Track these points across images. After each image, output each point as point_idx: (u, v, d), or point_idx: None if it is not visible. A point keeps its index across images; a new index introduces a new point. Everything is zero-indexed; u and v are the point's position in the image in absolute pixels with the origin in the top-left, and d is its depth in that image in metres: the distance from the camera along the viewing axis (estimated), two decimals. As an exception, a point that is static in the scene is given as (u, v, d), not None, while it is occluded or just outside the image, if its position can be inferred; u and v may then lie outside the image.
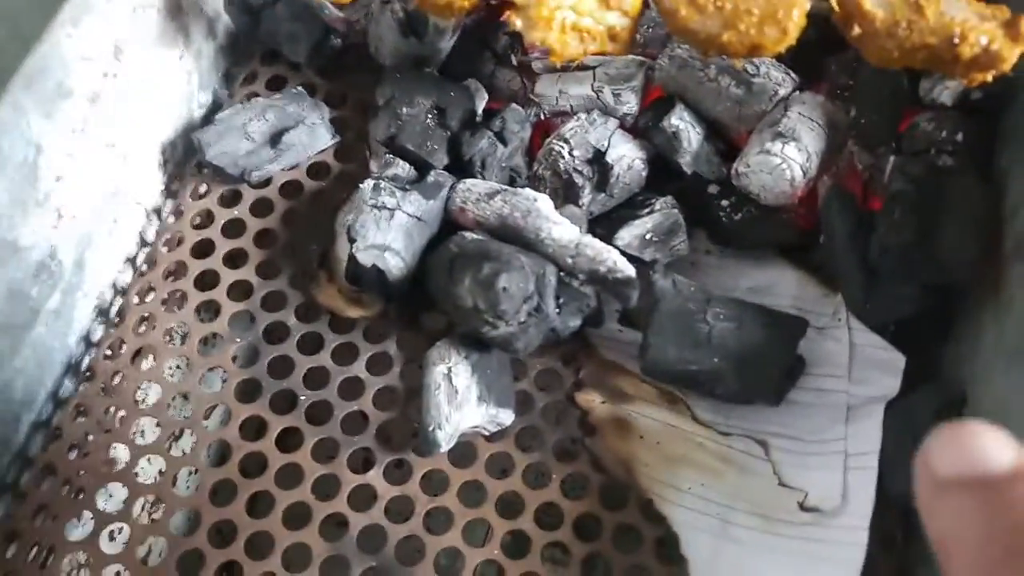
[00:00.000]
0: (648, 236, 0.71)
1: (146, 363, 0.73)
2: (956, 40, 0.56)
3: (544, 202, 0.69)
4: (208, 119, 0.85)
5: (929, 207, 0.63)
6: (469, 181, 0.72)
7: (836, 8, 0.59)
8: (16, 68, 0.93)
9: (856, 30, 0.59)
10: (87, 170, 0.71)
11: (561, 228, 0.67)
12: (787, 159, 0.67)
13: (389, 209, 0.68)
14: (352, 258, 0.67)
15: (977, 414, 0.60)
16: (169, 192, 0.82)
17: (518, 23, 0.63)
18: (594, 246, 0.65)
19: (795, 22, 0.58)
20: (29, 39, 0.97)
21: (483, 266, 0.62)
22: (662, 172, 0.76)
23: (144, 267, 0.77)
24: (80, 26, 0.66)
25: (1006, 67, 0.56)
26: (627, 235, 0.71)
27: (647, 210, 0.72)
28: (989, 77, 0.57)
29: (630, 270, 0.64)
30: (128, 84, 0.73)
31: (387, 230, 0.68)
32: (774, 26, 0.58)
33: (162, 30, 0.77)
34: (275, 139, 0.77)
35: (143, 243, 0.79)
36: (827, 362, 0.68)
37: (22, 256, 0.66)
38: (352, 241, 0.67)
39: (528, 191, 0.70)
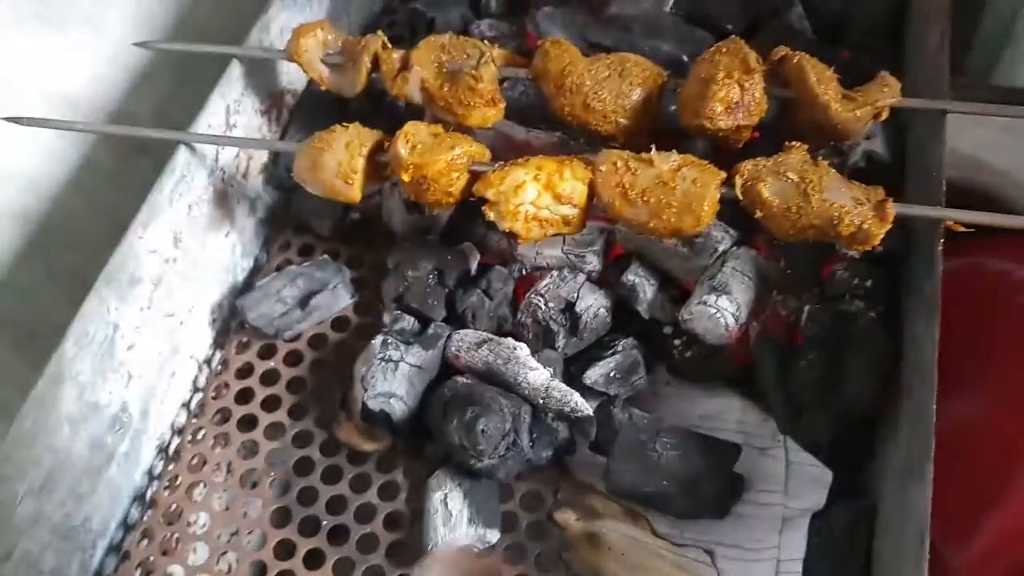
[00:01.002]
0: (612, 374, 0.85)
1: (198, 494, 0.88)
2: (836, 222, 0.70)
3: (522, 350, 0.83)
4: (250, 281, 1.02)
5: (836, 349, 0.75)
6: (462, 332, 0.87)
7: (741, 197, 0.73)
8: (86, 234, 1.13)
9: (759, 213, 0.73)
10: (152, 337, 0.87)
11: (535, 373, 0.81)
12: (720, 310, 0.80)
13: (394, 361, 0.83)
14: (364, 404, 0.81)
15: (882, 524, 0.71)
16: (217, 344, 0.98)
17: (491, 215, 0.78)
18: (560, 389, 0.79)
19: (706, 211, 0.72)
20: (104, 211, 1.17)
21: (467, 410, 0.76)
22: (626, 314, 0.90)
23: (196, 411, 0.93)
24: (149, 228, 0.84)
25: (875, 242, 0.69)
26: (594, 374, 0.84)
27: (611, 351, 0.86)
28: (867, 248, 0.70)
29: (588, 411, 0.78)
30: (185, 264, 0.91)
31: (392, 380, 0.82)
32: (690, 215, 0.73)
33: (212, 217, 0.94)
34: (304, 302, 0.93)
35: (195, 389, 0.95)
36: (767, 479, 0.79)
37: (101, 413, 0.82)
38: (364, 390, 0.82)
39: (509, 340, 0.84)
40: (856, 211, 0.69)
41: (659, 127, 0.87)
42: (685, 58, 0.95)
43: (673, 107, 0.88)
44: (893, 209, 0.69)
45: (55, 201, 1.11)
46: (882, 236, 0.69)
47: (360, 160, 0.81)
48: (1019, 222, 0.70)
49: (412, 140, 0.79)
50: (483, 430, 0.74)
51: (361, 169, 0.81)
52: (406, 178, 0.79)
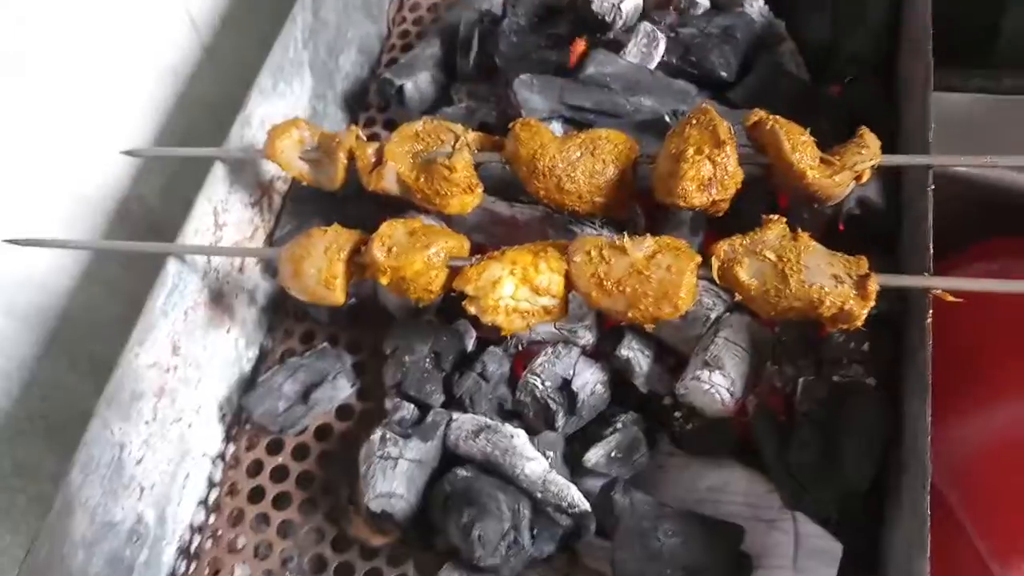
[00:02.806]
0: (613, 454, 0.84)
1: (219, 595, 0.90)
2: (816, 304, 0.68)
3: (519, 438, 0.83)
4: (257, 368, 1.03)
5: (833, 425, 0.73)
6: (460, 419, 0.87)
7: (718, 280, 0.72)
8: (104, 320, 1.15)
9: (738, 296, 0.71)
10: (161, 446, 0.89)
11: (532, 464, 0.81)
12: (714, 385, 0.79)
13: (393, 459, 0.84)
14: (365, 505, 0.82)
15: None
16: (229, 437, 0.99)
17: (472, 310, 0.78)
18: (556, 483, 0.79)
19: (683, 299, 0.71)
20: (120, 295, 1.19)
21: (464, 512, 0.76)
22: (625, 384, 0.89)
23: (214, 507, 0.95)
24: (145, 344, 0.86)
25: (859, 323, 0.67)
26: (594, 455, 0.84)
27: (611, 430, 0.85)
28: (851, 328, 0.68)
29: (586, 505, 0.77)
30: (187, 369, 0.92)
31: (392, 478, 0.83)
32: (667, 303, 0.71)
33: (211, 317, 0.96)
34: (305, 396, 0.94)
35: (211, 484, 0.97)
36: (775, 553, 0.78)
37: (116, 530, 0.84)
38: (364, 491, 0.82)
39: (507, 428, 0.84)
40: (837, 291, 0.67)
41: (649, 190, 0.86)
42: (666, 116, 0.93)
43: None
44: (875, 285, 0.67)
45: (70, 295, 1.13)
46: (865, 316, 0.67)
47: (340, 264, 0.81)
48: (1008, 287, 0.67)
49: (387, 242, 0.79)
50: (479, 536, 0.74)
51: (342, 273, 0.81)
52: (384, 281, 0.79)
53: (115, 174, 1.16)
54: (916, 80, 0.86)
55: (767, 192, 0.88)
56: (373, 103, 1.22)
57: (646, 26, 1.02)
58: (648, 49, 1.01)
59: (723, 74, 1.00)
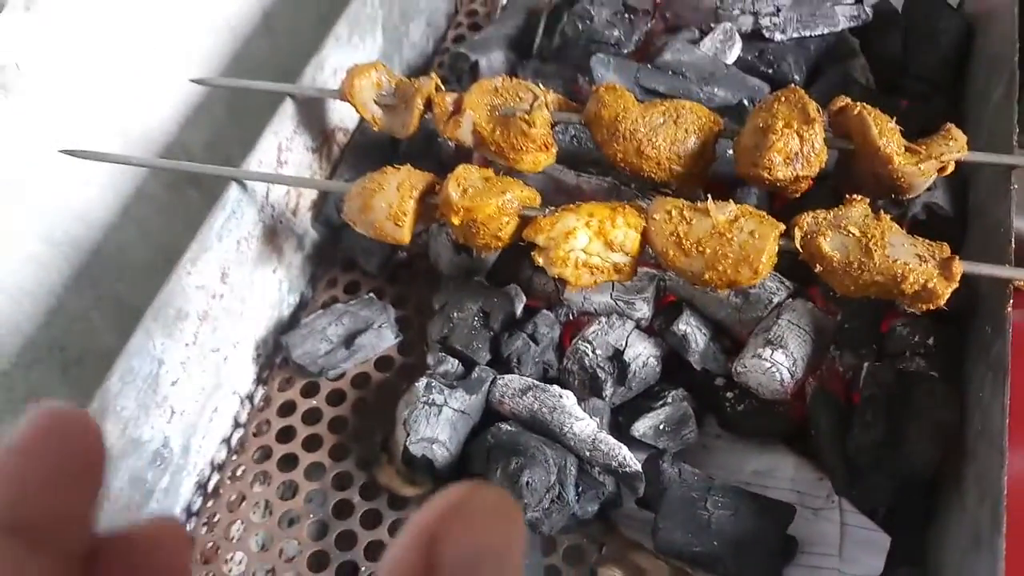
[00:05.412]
0: (661, 426, 0.82)
1: (235, 532, 0.87)
2: (899, 280, 0.67)
3: (568, 399, 0.81)
4: (295, 316, 1.02)
5: (896, 410, 0.72)
6: (507, 377, 0.85)
7: (800, 250, 0.71)
8: (134, 263, 1.14)
9: (819, 267, 0.71)
10: (196, 373, 0.87)
11: (582, 424, 0.79)
12: (776, 364, 0.78)
13: (438, 406, 0.82)
14: (406, 448, 0.80)
15: (946, 599, 0.67)
16: (260, 380, 0.97)
17: (540, 260, 0.77)
18: (607, 443, 0.77)
19: (764, 264, 0.70)
20: (153, 241, 1.18)
21: (512, 460, 0.74)
22: (677, 363, 0.87)
23: (237, 448, 0.92)
24: (198, 264, 0.84)
25: (941, 302, 0.67)
26: (642, 426, 0.82)
27: (661, 403, 0.84)
28: (932, 307, 0.68)
29: (637, 466, 0.76)
30: (231, 299, 0.90)
31: (435, 424, 0.81)
32: (747, 267, 0.71)
33: (260, 252, 0.94)
34: (349, 341, 0.93)
35: (237, 425, 0.94)
36: (821, 541, 0.76)
37: (142, 449, 0.81)
38: (407, 434, 0.80)
39: (555, 388, 0.83)
40: (920, 269, 0.67)
41: (713, 175, 0.86)
42: (746, 101, 0.93)
43: (729, 151, 0.87)
44: (960, 267, 0.67)
45: (105, 231, 1.12)
46: (948, 296, 0.67)
47: (411, 202, 0.80)
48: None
49: (463, 184, 0.79)
50: (528, 483, 0.73)
51: (411, 211, 0.80)
52: (456, 221, 0.78)
53: (161, 121, 1.16)
54: (998, 92, 0.87)
55: (834, 191, 0.88)
56: (437, 76, 1.22)
57: (726, 25, 1.03)
58: (724, 46, 1.03)
59: (796, 77, 1.01)
